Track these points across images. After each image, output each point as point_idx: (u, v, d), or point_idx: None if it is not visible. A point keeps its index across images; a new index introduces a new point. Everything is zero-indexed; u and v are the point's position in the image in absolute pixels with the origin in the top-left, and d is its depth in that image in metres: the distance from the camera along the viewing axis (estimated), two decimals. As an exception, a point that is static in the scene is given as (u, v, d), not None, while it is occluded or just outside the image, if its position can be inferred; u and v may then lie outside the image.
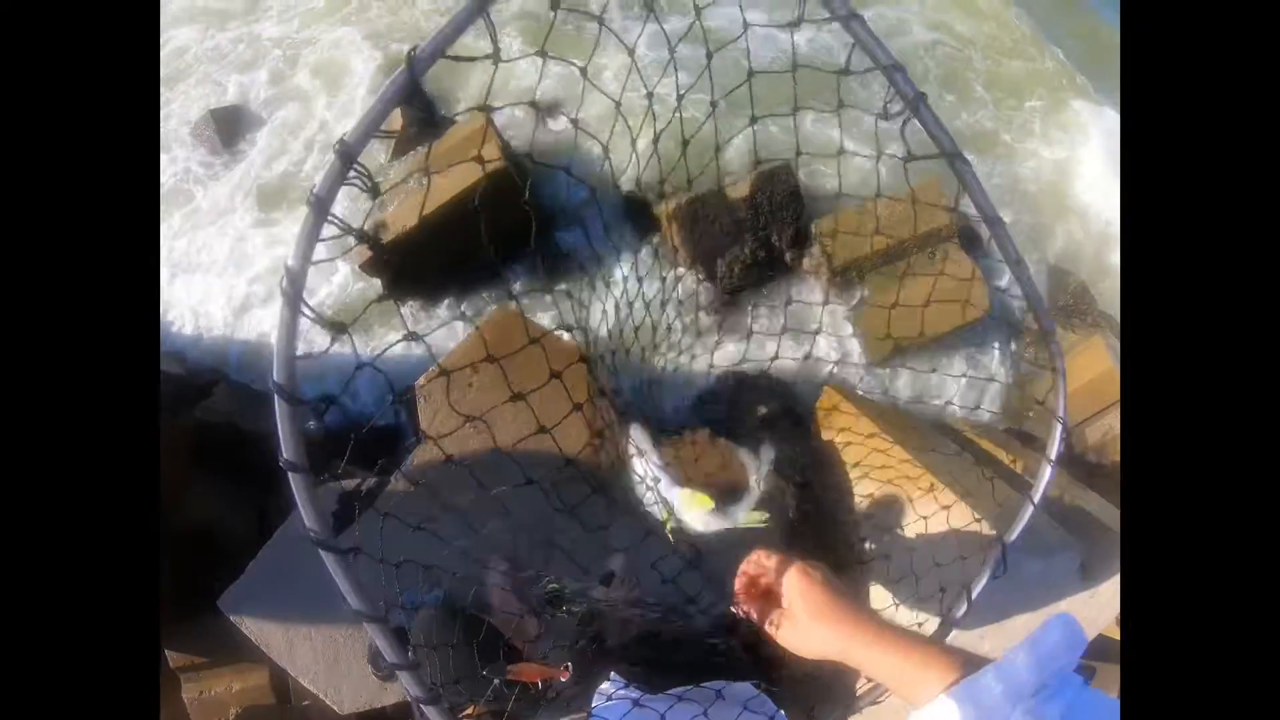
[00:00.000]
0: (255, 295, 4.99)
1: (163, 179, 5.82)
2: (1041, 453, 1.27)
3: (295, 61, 6.29)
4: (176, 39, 6.68)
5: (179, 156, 5.91)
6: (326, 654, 2.13)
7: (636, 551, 1.62)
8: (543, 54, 0.78)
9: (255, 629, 2.21)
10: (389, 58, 5.81)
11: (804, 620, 0.83)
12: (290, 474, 0.77)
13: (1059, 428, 1.25)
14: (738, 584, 0.95)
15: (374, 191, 0.73)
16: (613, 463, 1.97)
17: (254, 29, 6.52)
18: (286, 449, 0.76)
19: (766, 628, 0.88)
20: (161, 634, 2.67)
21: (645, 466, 1.40)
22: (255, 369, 4.69)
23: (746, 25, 0.96)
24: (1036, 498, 1.25)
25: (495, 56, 0.73)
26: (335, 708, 2.11)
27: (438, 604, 2.05)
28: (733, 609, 0.95)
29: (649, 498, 1.43)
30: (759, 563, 0.93)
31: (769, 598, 0.90)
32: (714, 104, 1.07)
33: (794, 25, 0.82)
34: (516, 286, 4.17)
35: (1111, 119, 5.43)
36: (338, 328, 0.77)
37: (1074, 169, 5.36)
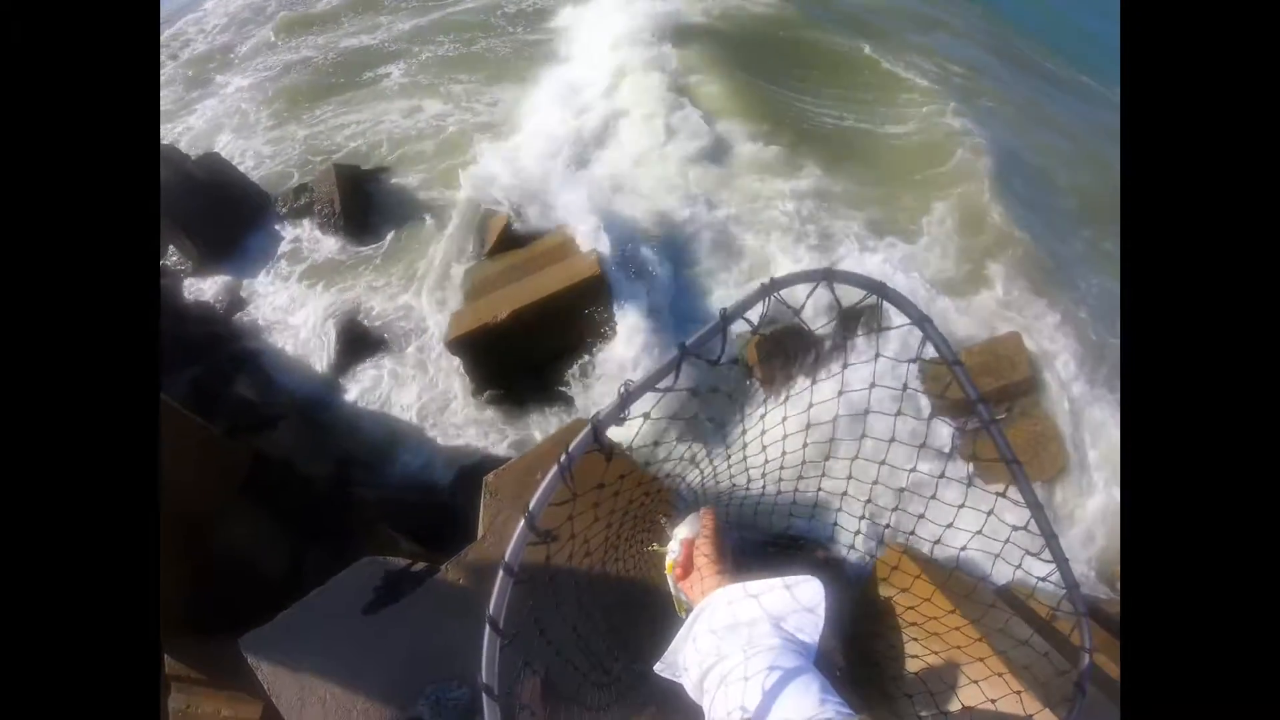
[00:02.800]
0: (334, 343, 5.22)
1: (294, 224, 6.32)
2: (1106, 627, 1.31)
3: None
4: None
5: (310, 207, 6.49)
6: (336, 720, 2.05)
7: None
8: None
9: (270, 675, 2.14)
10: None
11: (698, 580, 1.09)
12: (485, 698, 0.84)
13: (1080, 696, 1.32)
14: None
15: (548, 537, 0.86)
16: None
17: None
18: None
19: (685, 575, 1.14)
20: (166, 641, 2.62)
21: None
22: (327, 411, 4.83)
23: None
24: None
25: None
26: (331, 776, 1.99)
27: (467, 702, 1.97)
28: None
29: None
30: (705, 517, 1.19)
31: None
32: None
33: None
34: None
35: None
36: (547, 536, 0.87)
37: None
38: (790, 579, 0.93)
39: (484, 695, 0.81)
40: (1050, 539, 1.26)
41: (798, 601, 0.90)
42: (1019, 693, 1.93)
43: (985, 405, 1.16)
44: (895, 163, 6.34)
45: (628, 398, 0.82)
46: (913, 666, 2.38)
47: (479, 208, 5.62)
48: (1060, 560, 1.28)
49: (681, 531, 1.24)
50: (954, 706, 2.09)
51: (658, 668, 0.95)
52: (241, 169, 7.05)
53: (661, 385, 0.81)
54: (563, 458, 0.81)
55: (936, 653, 2.27)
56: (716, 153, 6.25)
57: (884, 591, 2.65)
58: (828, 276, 0.95)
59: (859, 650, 2.61)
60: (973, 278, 5.28)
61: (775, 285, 0.91)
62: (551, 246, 4.73)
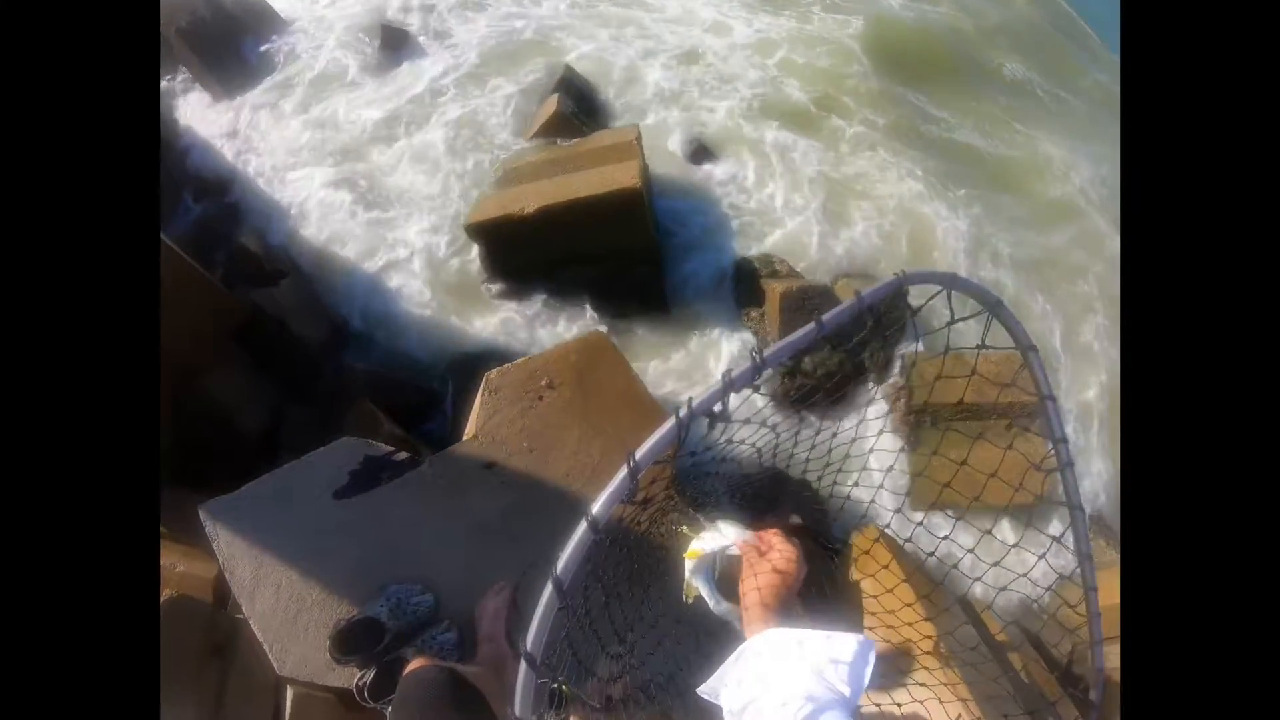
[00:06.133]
0: (348, 207, 5.00)
1: (316, 64, 6.04)
2: (1049, 665, 1.36)
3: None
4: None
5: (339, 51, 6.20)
6: (288, 608, 1.97)
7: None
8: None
9: (227, 550, 2.04)
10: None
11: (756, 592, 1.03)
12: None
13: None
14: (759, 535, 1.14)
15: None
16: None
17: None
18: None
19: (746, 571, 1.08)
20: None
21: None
22: (330, 274, 4.66)
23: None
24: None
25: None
26: (275, 665, 1.95)
27: (429, 610, 1.91)
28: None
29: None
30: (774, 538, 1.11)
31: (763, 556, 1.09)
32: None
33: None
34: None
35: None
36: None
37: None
38: (836, 634, 0.92)
39: (523, 663, 0.77)
40: (1090, 591, 1.32)
41: (840, 655, 0.89)
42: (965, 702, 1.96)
43: (1066, 446, 1.21)
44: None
45: (761, 365, 0.84)
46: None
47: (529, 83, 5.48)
48: (1093, 615, 1.33)
49: (729, 530, 1.18)
50: (898, 699, 2.09)
51: (701, 690, 0.94)
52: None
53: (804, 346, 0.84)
54: (682, 411, 0.77)
55: (892, 643, 2.25)
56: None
57: (855, 575, 2.63)
58: (953, 283, 0.98)
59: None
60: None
61: (909, 279, 0.95)
62: (602, 146, 4.45)
